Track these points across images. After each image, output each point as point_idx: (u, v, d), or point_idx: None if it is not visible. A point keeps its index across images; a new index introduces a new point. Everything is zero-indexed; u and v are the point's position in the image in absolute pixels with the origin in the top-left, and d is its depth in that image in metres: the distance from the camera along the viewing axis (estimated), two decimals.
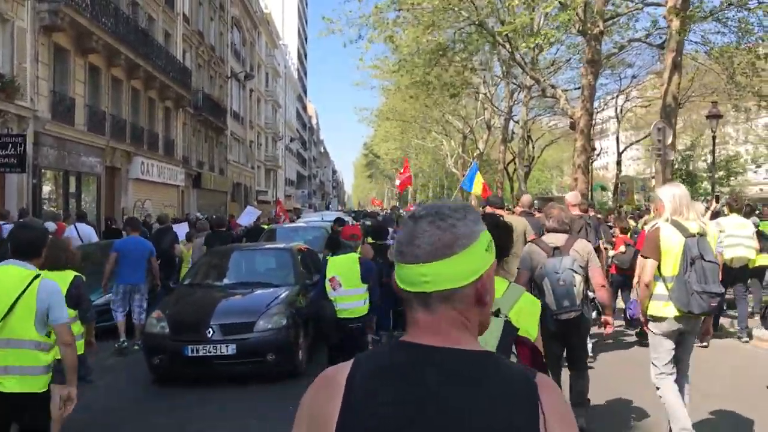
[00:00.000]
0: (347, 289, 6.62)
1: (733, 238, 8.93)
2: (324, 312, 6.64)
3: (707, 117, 25.69)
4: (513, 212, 9.46)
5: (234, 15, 44.57)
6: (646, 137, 39.76)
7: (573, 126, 22.85)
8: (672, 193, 4.75)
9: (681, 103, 33.70)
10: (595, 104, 48.50)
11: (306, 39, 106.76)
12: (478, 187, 22.11)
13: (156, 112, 26.97)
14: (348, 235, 7.22)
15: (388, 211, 30.81)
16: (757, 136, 39.50)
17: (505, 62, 33.72)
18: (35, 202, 16.95)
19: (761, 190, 40.36)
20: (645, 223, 10.99)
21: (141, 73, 23.41)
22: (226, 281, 9.28)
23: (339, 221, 12.79)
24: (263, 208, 45.04)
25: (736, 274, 8.96)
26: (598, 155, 44.43)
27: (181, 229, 14.26)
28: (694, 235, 4.57)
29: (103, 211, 21.19)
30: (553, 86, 26.90)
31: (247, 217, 19.84)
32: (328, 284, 6.65)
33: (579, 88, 33.78)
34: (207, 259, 10.01)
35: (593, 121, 25.86)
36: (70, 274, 5.50)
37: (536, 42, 20.75)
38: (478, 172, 22.60)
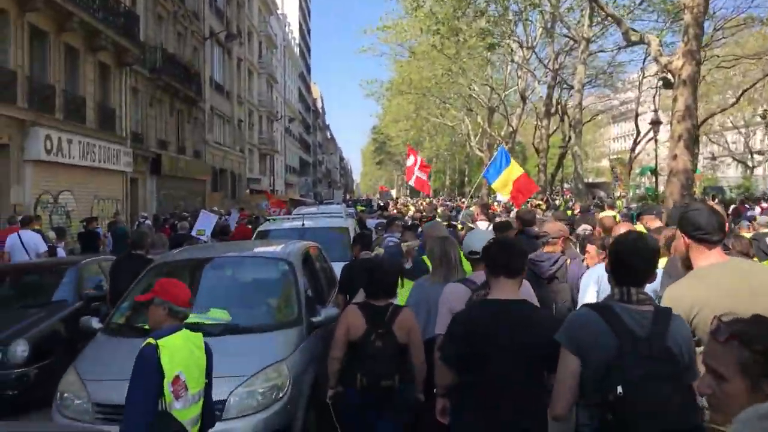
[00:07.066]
0: None
1: None
2: None
3: None
4: None
5: None
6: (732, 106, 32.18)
7: (668, 83, 16.60)
8: None
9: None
10: (633, 77, 40.50)
11: (309, 14, 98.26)
12: (503, 184, 13.14)
13: (82, 67, 19.38)
14: None
15: (418, 213, 18.89)
16: None
17: (553, 12, 25.98)
18: None
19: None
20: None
21: (40, 3, 15.83)
22: None
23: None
24: (256, 199, 36.97)
25: None
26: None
27: None
28: None
29: None
30: (635, 30, 19.70)
31: (206, 226, 12.99)
32: None
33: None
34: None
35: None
36: None
37: None
38: (512, 163, 13.35)
